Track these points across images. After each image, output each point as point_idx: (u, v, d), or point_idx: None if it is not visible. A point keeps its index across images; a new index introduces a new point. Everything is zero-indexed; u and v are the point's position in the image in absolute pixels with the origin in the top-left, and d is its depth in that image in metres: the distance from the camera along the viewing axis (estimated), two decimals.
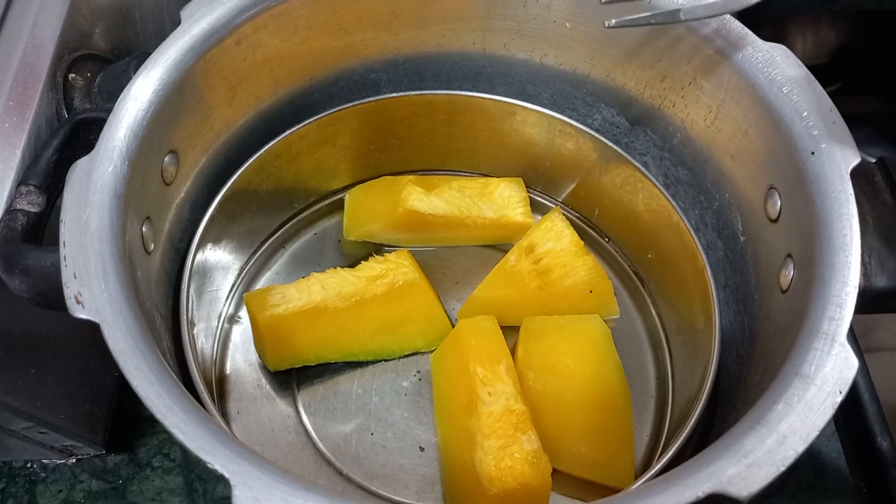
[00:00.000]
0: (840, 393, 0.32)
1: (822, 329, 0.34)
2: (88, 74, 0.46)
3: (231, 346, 0.52)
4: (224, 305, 0.53)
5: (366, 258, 0.53)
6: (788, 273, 0.40)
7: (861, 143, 0.39)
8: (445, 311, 0.53)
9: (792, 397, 0.32)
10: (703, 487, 0.30)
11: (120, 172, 0.38)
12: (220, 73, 0.46)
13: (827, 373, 0.33)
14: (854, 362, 0.33)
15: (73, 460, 0.51)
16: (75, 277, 0.34)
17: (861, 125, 0.42)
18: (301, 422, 0.49)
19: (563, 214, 0.55)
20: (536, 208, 0.59)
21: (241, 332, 0.53)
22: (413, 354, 0.52)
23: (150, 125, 0.40)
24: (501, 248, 0.57)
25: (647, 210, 0.52)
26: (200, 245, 0.48)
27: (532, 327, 0.51)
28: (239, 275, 0.55)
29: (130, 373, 0.32)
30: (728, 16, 0.44)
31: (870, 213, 0.38)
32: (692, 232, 0.49)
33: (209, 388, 0.45)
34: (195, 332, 0.48)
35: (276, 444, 0.49)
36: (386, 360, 0.52)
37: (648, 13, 0.45)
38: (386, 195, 0.56)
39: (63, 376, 0.46)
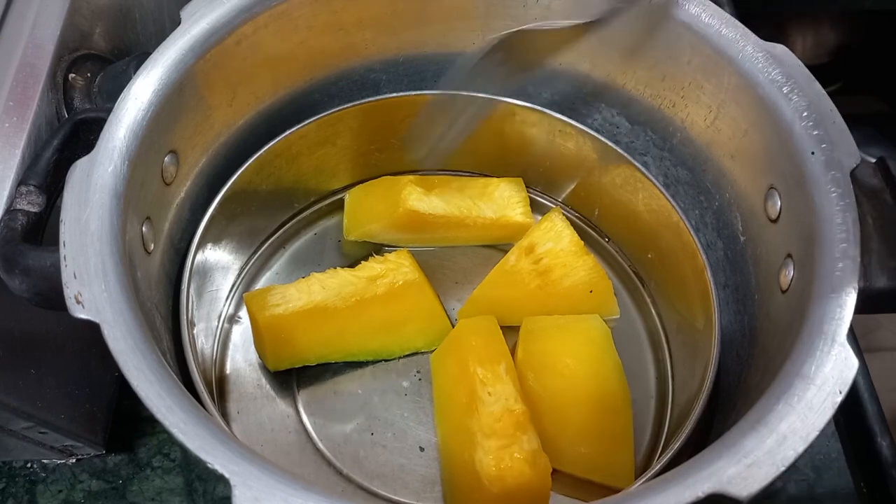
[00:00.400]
0: (840, 393, 0.32)
1: (822, 329, 0.34)
2: (88, 74, 0.46)
3: (231, 346, 0.52)
4: (224, 305, 0.53)
5: (366, 258, 0.53)
6: (788, 273, 0.40)
7: (861, 143, 0.39)
8: (445, 311, 0.53)
9: (792, 397, 0.32)
10: (703, 487, 0.30)
11: (120, 172, 0.38)
12: (220, 73, 0.46)
13: (827, 373, 0.33)
14: (854, 362, 0.33)
15: (73, 460, 0.51)
16: (75, 277, 0.34)
17: (861, 125, 0.42)
18: (301, 422, 0.49)
19: (563, 214, 0.55)
20: (536, 208, 0.59)
21: (241, 332, 0.53)
22: (413, 354, 0.52)
23: (150, 125, 0.40)
24: (501, 248, 0.57)
25: (647, 210, 0.52)
26: (200, 245, 0.48)
27: (532, 327, 0.51)
28: (239, 275, 0.55)
29: (130, 373, 0.32)
30: (728, 16, 0.44)
31: (870, 213, 0.38)
32: (692, 232, 0.49)
33: (209, 388, 0.45)
34: (195, 332, 0.48)
35: (276, 444, 0.49)
36: (386, 360, 0.52)
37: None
38: (386, 195, 0.56)
39: (63, 376, 0.46)
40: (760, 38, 0.44)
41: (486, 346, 0.49)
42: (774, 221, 0.43)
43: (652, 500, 0.30)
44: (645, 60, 0.50)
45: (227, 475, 0.29)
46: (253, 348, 0.51)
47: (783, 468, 0.31)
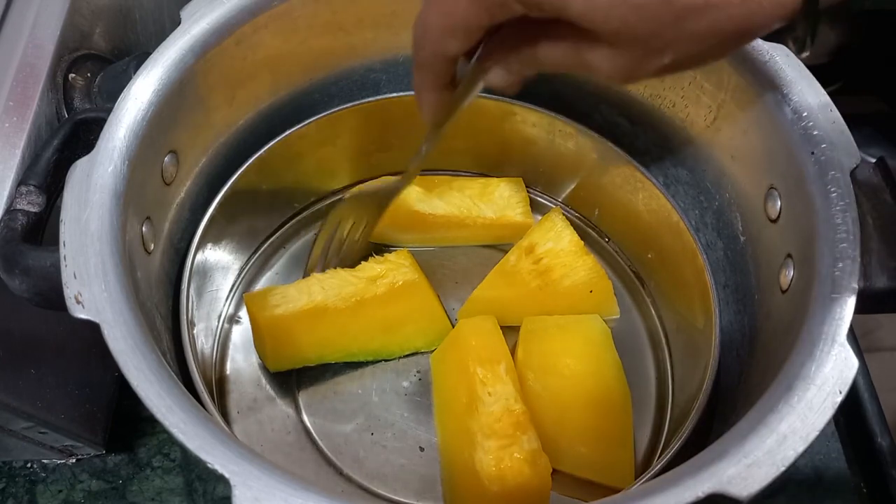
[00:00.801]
0: (840, 393, 0.32)
1: (822, 329, 0.34)
2: (88, 74, 0.46)
3: (231, 346, 0.52)
4: (224, 305, 0.53)
5: (366, 258, 0.53)
6: (788, 273, 0.40)
7: (861, 143, 0.39)
8: (445, 311, 0.53)
9: (792, 397, 0.32)
10: (703, 487, 0.30)
11: (120, 172, 0.38)
12: (220, 73, 0.46)
13: (827, 373, 0.33)
14: (854, 362, 0.33)
15: (73, 460, 0.51)
16: (75, 277, 0.34)
17: (861, 125, 0.42)
18: (301, 422, 0.49)
19: (563, 214, 0.55)
20: (536, 208, 0.59)
21: (241, 332, 0.53)
22: (413, 354, 0.52)
23: (150, 125, 0.40)
24: (501, 248, 0.57)
25: (647, 210, 0.52)
26: (200, 245, 0.48)
27: (532, 327, 0.51)
28: (239, 275, 0.55)
29: (130, 373, 0.32)
30: None
31: (870, 213, 0.38)
32: (692, 232, 0.49)
33: (209, 388, 0.45)
34: (195, 332, 0.48)
35: (276, 444, 0.49)
36: (386, 360, 0.52)
37: None
38: None
39: (63, 376, 0.46)
40: (760, 38, 0.44)
41: (486, 346, 0.49)
42: (774, 221, 0.43)
43: (652, 500, 0.30)
44: None
45: (227, 475, 0.29)
46: (253, 348, 0.51)
47: (783, 468, 0.31)
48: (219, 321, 0.53)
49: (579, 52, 0.30)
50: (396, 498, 0.47)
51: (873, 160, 0.40)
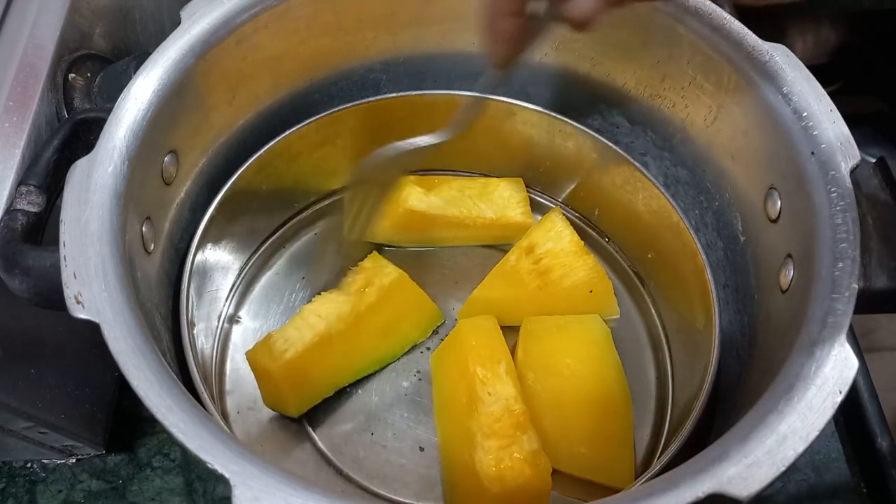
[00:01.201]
0: (840, 393, 0.32)
1: (822, 329, 0.34)
2: (88, 74, 0.46)
3: (231, 346, 0.52)
4: (224, 305, 0.53)
5: (365, 258, 0.53)
6: (788, 273, 0.40)
7: (861, 143, 0.39)
8: (438, 307, 0.53)
9: (792, 397, 0.32)
10: (703, 487, 0.30)
11: (120, 172, 0.38)
12: (220, 74, 0.46)
13: (827, 373, 0.33)
14: (854, 362, 0.33)
15: (73, 460, 0.51)
16: (75, 277, 0.34)
17: (861, 125, 0.42)
18: (301, 422, 0.49)
19: (563, 214, 0.55)
20: (536, 208, 0.59)
21: (241, 332, 0.53)
22: (413, 354, 0.52)
23: (150, 125, 0.40)
24: (501, 248, 0.57)
25: (647, 210, 0.52)
26: (200, 245, 0.48)
27: (532, 327, 0.51)
28: (239, 275, 0.55)
29: (130, 373, 0.32)
30: (728, 16, 0.44)
31: (870, 213, 0.38)
32: (692, 232, 0.49)
33: (209, 388, 0.45)
34: (195, 332, 0.48)
35: (276, 444, 0.49)
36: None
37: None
38: None
39: (63, 376, 0.46)
40: (760, 38, 0.44)
41: (486, 346, 0.49)
42: (774, 221, 0.43)
43: (652, 501, 0.30)
44: (645, 60, 0.50)
45: (227, 475, 0.29)
46: None
47: (783, 468, 0.31)
48: (219, 321, 0.53)
49: None
50: (396, 498, 0.47)
51: (873, 160, 0.40)
